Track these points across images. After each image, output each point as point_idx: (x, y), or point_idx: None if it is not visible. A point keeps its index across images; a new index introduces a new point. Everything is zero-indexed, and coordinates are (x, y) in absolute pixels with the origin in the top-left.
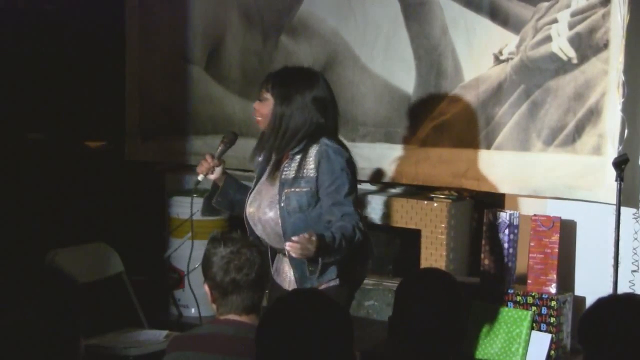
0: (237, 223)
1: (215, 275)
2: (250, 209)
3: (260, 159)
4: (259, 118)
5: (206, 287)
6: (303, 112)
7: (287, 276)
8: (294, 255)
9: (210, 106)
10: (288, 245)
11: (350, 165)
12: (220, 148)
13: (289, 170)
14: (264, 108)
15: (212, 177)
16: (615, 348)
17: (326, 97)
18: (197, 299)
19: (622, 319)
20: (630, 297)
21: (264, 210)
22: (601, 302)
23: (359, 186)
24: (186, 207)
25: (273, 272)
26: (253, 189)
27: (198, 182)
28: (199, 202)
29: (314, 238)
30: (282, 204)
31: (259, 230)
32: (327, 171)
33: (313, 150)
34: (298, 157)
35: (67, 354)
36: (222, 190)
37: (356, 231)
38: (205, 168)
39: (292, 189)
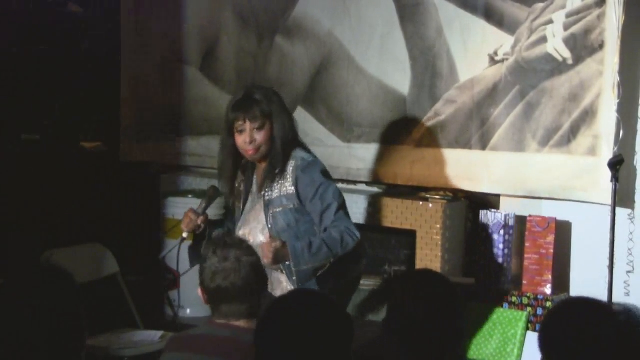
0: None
1: (204, 281)
2: (240, 232)
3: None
4: (256, 149)
5: (199, 290)
6: (289, 121)
7: (281, 284)
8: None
9: (205, 107)
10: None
11: (326, 173)
12: (204, 204)
13: (271, 190)
14: (263, 135)
15: (197, 232)
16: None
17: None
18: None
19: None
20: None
21: (255, 234)
22: (558, 307)
23: (354, 187)
24: (181, 208)
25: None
26: (241, 213)
27: (184, 238)
28: (196, 203)
29: (274, 244)
30: (269, 225)
31: None
32: (308, 183)
33: (289, 167)
34: (277, 176)
35: (73, 353)
36: (209, 238)
37: (345, 236)
38: (192, 226)
39: (277, 209)
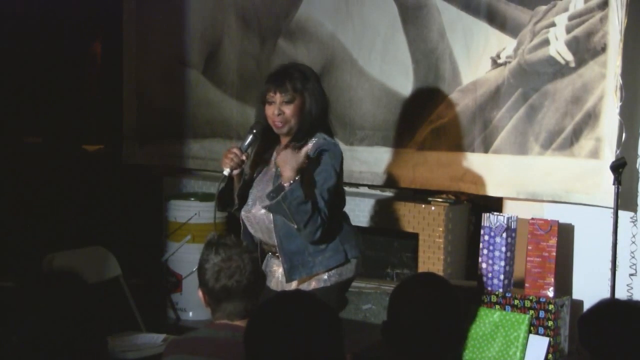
0: (235, 226)
1: (207, 282)
2: (243, 214)
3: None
4: (284, 122)
5: (200, 292)
6: (322, 102)
7: (275, 275)
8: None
9: (208, 110)
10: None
11: (341, 163)
12: (250, 139)
13: None
14: (292, 109)
15: (236, 172)
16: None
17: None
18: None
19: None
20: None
21: (258, 207)
22: (601, 305)
23: (357, 190)
24: (183, 211)
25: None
26: (252, 188)
27: (225, 177)
28: (198, 205)
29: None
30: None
31: (252, 227)
32: (324, 162)
33: (310, 143)
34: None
35: (95, 354)
36: (244, 181)
37: (316, 214)
38: (236, 163)
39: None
